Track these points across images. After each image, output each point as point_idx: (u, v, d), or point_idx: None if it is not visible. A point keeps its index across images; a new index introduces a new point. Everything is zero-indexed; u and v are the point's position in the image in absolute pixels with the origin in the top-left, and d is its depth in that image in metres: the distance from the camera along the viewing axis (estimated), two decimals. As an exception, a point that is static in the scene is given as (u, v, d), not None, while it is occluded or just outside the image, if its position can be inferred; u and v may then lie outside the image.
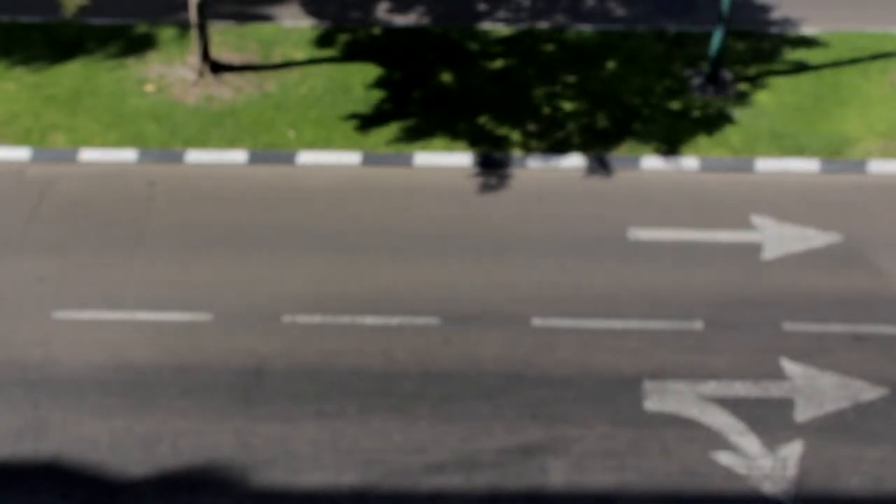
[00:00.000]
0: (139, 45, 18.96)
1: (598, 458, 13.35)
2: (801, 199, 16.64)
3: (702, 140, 17.47)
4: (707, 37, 19.06)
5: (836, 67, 18.78)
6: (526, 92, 18.20)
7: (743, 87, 18.39)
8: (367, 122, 17.69)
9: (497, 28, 19.41)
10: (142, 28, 19.30)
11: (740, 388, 14.06)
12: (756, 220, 16.27)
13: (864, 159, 17.24)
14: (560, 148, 17.34)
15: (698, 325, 14.82)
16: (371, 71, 18.57)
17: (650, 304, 15.04)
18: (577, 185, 16.88)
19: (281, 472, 13.19)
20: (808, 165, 17.18)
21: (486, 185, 16.82)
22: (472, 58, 18.84)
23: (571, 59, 18.82)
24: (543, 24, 19.51)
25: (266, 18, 19.68)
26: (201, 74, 18.22)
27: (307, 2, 19.99)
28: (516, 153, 17.25)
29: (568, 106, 18.00)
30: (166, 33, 19.20)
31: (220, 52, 18.75)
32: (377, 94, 18.16)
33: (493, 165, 17.09)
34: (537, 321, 14.82)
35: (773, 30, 19.54)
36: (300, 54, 18.88)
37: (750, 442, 13.52)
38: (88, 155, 17.13)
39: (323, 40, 19.19)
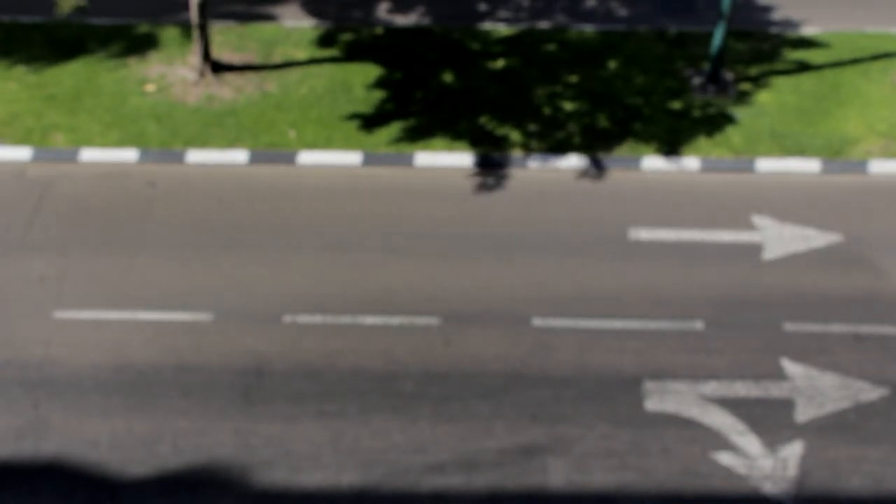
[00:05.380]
0: (140, 44, 18.96)
1: (598, 458, 13.34)
2: (802, 199, 16.63)
3: (702, 140, 17.46)
4: (708, 37, 19.05)
5: (836, 68, 18.77)
6: (527, 92, 18.19)
7: (744, 87, 18.37)
8: (367, 122, 17.68)
9: (498, 28, 19.41)
10: (143, 28, 19.31)
11: (741, 389, 14.05)
12: (757, 220, 16.26)
13: (865, 159, 17.22)
14: (560, 148, 17.33)
15: (698, 325, 14.81)
16: (372, 71, 18.57)
17: (650, 304, 15.03)
18: (577, 185, 16.87)
19: (281, 472, 13.19)
20: (808, 165, 17.17)
21: (487, 186, 16.81)
22: (473, 58, 18.83)
23: (572, 59, 18.82)
24: (544, 24, 19.51)
25: (267, 18, 19.67)
26: (202, 74, 18.22)
27: (308, 2, 19.98)
28: (517, 153, 17.24)
29: (569, 106, 17.99)
30: (167, 33, 19.21)
31: (220, 52, 18.75)
32: (378, 94, 18.16)
33: (493, 165, 17.08)
34: (537, 321, 14.81)
35: (774, 30, 19.53)
36: (301, 54, 18.88)
37: (750, 442, 13.51)
38: (89, 155, 17.13)
39: (324, 40, 19.18)
